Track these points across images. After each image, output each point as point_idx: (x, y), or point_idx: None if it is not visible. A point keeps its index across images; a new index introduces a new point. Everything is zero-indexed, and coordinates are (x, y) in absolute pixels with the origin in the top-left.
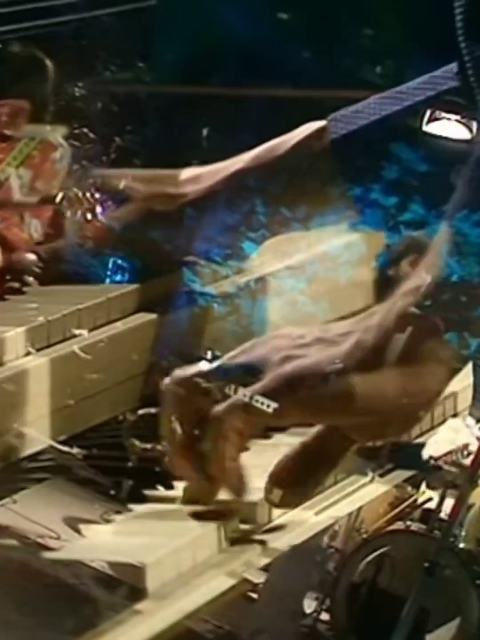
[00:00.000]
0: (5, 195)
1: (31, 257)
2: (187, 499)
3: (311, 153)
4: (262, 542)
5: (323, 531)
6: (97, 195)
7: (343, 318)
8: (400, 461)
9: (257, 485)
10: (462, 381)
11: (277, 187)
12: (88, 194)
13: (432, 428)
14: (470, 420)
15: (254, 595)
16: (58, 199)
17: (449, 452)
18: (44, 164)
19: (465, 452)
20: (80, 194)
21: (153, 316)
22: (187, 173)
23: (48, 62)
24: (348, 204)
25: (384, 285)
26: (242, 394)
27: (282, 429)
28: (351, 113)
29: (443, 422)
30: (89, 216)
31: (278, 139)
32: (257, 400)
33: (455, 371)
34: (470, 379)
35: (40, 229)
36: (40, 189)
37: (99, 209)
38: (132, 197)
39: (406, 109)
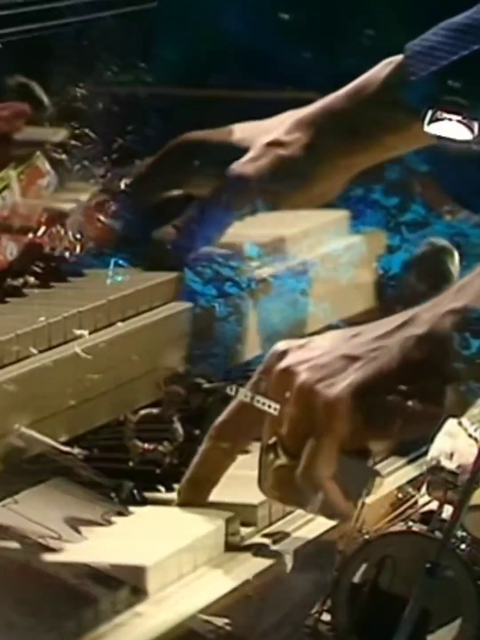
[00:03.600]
0: None
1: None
2: (182, 500)
3: (392, 92)
4: (264, 544)
5: (325, 532)
6: (78, 236)
7: (344, 319)
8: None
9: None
10: None
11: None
12: (70, 233)
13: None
14: (466, 422)
15: (256, 597)
16: (40, 233)
17: (450, 456)
18: (29, 188)
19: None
20: (62, 232)
21: (154, 318)
22: (281, 125)
23: (45, 98)
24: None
25: (389, 285)
26: (244, 394)
27: None
28: (427, 49)
29: (443, 422)
30: (67, 254)
31: (362, 78)
32: (258, 401)
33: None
34: None
35: (16, 253)
36: (22, 213)
37: (77, 250)
38: (246, 146)
39: None
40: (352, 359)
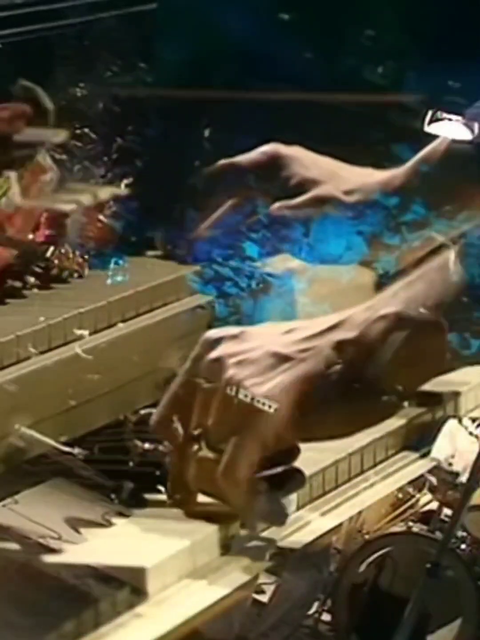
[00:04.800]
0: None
1: None
2: (173, 504)
3: (459, 158)
4: (263, 546)
5: (326, 534)
6: (86, 256)
7: None
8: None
9: None
10: (466, 382)
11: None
12: (78, 253)
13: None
14: (467, 422)
15: (257, 598)
16: (49, 253)
17: (451, 456)
18: (32, 185)
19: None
20: (71, 253)
21: (154, 319)
22: (352, 180)
23: (49, 103)
24: None
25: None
26: (244, 394)
27: None
28: None
29: (444, 423)
30: (75, 275)
31: (429, 147)
32: (258, 402)
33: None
34: (477, 380)
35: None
36: (24, 208)
37: (86, 271)
38: (307, 188)
39: None
40: (282, 358)
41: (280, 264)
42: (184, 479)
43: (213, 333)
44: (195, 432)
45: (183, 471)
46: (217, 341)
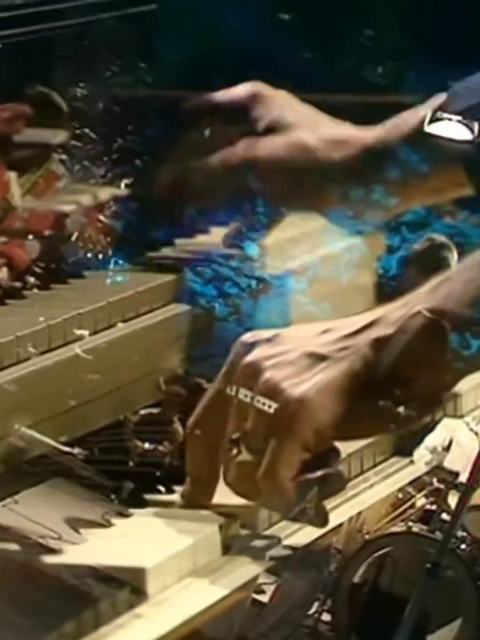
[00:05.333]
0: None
1: None
2: (186, 503)
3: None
4: (263, 547)
5: (326, 534)
6: (108, 238)
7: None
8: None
9: None
10: (467, 383)
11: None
12: (101, 236)
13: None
14: (468, 419)
15: (257, 598)
16: (74, 238)
17: (446, 445)
18: (46, 192)
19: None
20: (94, 236)
21: (154, 319)
22: (328, 132)
23: (64, 106)
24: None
25: (389, 285)
26: (244, 394)
27: None
28: (474, 85)
29: (436, 424)
30: (100, 256)
31: (403, 114)
32: (258, 401)
33: (463, 373)
34: (477, 380)
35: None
36: (38, 209)
37: (110, 252)
38: (280, 130)
39: None
40: (319, 357)
41: (280, 263)
42: (203, 479)
43: (247, 337)
44: (234, 436)
45: (201, 471)
46: (252, 345)
